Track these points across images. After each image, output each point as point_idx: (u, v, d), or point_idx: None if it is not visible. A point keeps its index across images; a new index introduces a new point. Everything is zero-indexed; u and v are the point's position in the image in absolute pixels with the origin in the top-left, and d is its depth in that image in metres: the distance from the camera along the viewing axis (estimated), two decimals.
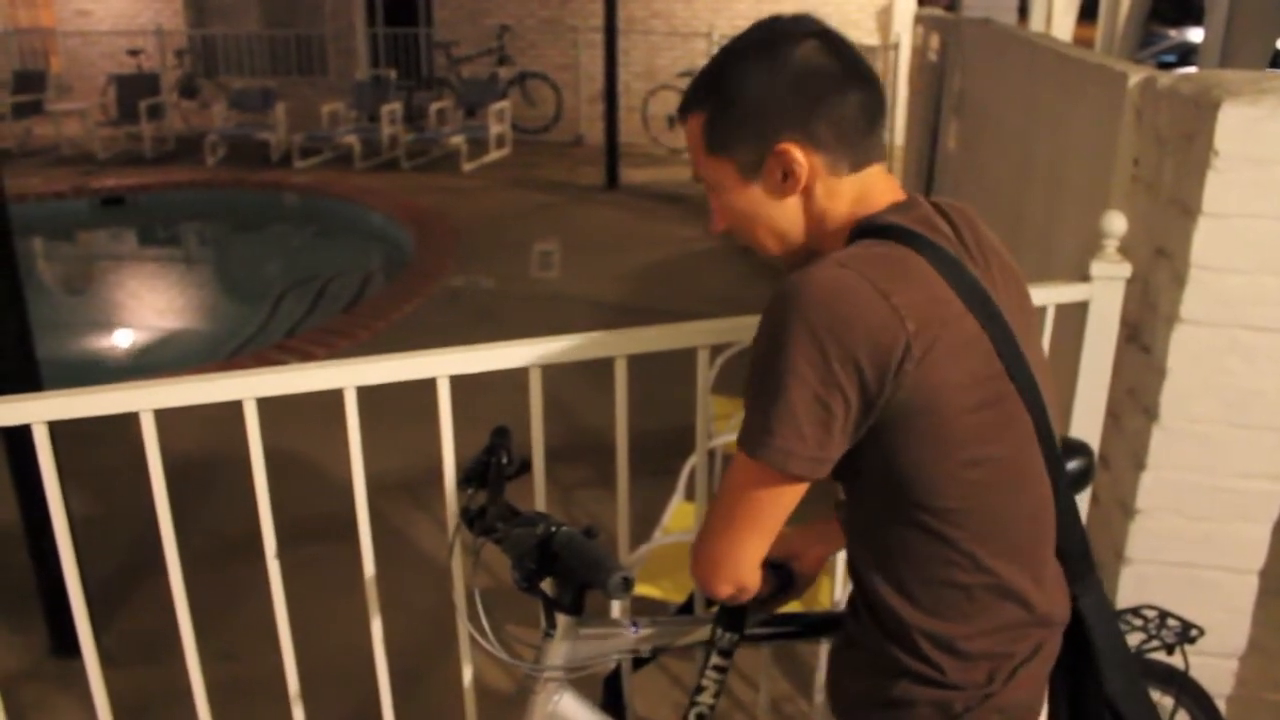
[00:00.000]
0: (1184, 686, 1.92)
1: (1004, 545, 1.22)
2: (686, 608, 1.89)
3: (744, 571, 1.25)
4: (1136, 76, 2.31)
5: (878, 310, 1.10)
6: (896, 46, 9.96)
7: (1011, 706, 1.26)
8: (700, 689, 1.60)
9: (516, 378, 1.89)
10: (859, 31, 12.28)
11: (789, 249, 1.31)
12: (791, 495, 1.20)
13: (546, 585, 1.38)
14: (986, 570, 1.21)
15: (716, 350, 3.10)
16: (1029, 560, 1.26)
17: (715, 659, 1.57)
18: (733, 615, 1.54)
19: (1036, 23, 8.74)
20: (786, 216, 1.27)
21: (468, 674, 2.08)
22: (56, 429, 1.77)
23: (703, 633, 1.59)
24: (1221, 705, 2.18)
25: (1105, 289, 2.08)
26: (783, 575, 1.54)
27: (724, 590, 1.27)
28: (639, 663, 1.67)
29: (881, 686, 1.26)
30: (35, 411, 1.73)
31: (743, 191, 1.27)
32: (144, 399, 1.75)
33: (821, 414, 1.12)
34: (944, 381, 1.12)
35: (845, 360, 1.10)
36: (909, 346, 1.10)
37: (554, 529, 1.33)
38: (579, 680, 1.50)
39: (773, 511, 1.21)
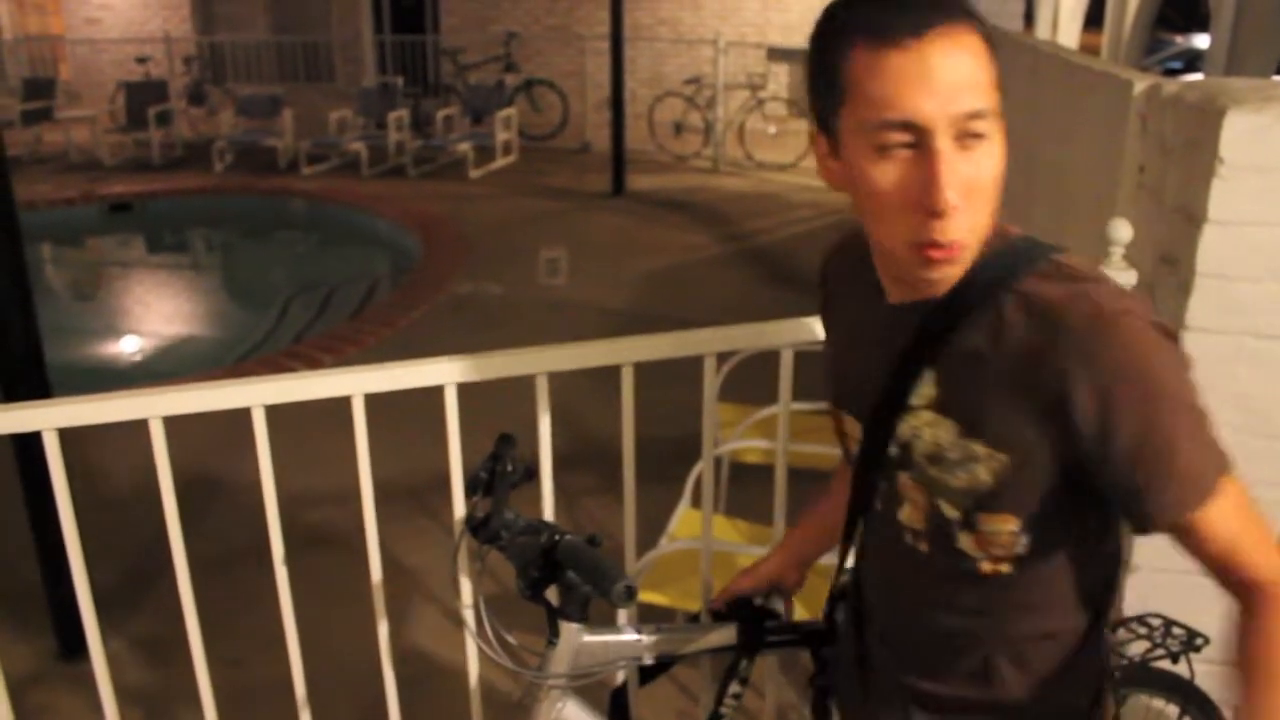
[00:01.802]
0: (1189, 695, 1.91)
1: None
2: (697, 617, 1.89)
3: None
4: (1142, 84, 2.32)
5: None
6: None
7: None
8: (719, 716, 1.62)
9: (523, 384, 1.89)
10: None
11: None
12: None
13: (551, 593, 1.39)
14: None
15: (723, 358, 3.11)
16: None
17: (735, 687, 1.60)
18: (752, 641, 1.57)
19: (1042, 30, 8.73)
20: None
21: (473, 681, 2.08)
22: (65, 434, 1.78)
23: (708, 641, 1.59)
24: (1228, 714, 2.17)
25: None
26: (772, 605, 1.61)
27: None
28: (646, 676, 1.68)
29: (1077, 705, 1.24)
30: (45, 419, 1.74)
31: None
32: (153, 406, 1.76)
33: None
34: None
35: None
36: None
37: (558, 537, 1.34)
38: (587, 691, 1.50)
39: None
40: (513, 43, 12.95)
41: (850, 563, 1.42)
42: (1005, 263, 1.07)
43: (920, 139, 0.99)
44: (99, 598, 1.88)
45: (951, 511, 1.13)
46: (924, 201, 0.99)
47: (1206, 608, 2.09)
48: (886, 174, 1.01)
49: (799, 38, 12.59)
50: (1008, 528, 1.11)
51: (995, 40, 1.05)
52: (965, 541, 1.14)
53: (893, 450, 1.17)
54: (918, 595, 1.23)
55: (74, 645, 2.97)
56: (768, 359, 2.08)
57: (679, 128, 11.81)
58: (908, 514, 1.19)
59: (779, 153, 11.14)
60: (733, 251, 7.87)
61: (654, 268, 7.45)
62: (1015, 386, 1.04)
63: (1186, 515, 1.05)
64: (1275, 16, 6.34)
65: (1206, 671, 1.96)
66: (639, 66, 12.94)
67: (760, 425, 3.17)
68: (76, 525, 1.82)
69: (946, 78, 0.97)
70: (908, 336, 1.12)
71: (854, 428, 1.24)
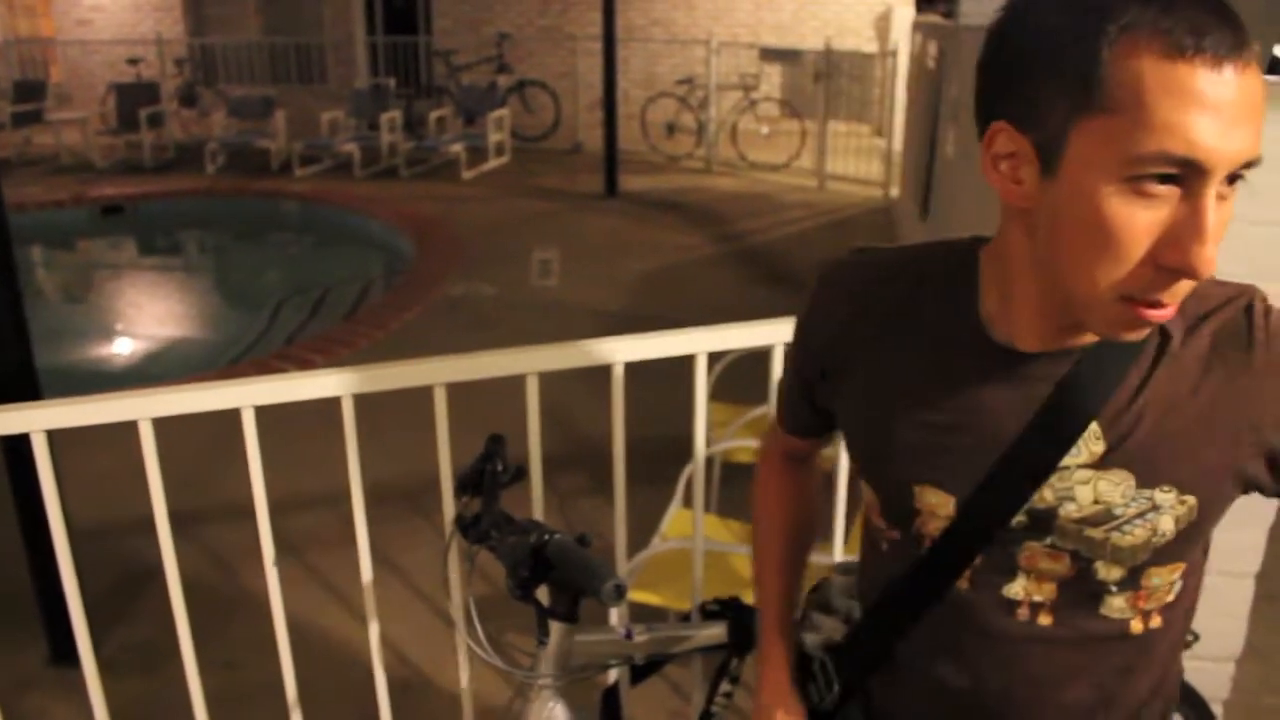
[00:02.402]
0: (1180, 692, 1.92)
1: None
2: (688, 616, 1.90)
3: None
4: None
5: None
6: (894, 54, 9.98)
7: None
8: (711, 715, 1.63)
9: (514, 385, 1.89)
10: (857, 39, 12.32)
11: None
12: None
13: (541, 593, 1.39)
14: None
15: (715, 357, 3.11)
16: None
17: (726, 685, 1.61)
18: (743, 640, 1.57)
19: None
20: None
21: (464, 681, 2.08)
22: (56, 437, 1.77)
23: (699, 640, 1.59)
24: (1218, 710, 2.18)
25: None
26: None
27: None
28: (638, 676, 1.68)
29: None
30: (34, 420, 1.74)
31: None
32: (142, 408, 1.76)
33: None
34: None
35: None
36: None
37: (547, 537, 1.34)
38: (579, 691, 1.50)
39: None
40: (505, 44, 12.95)
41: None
42: None
43: (1189, 181, 0.81)
44: (92, 602, 1.88)
45: (1112, 572, 1.01)
46: (1172, 256, 0.82)
47: (1198, 605, 2.10)
48: (1134, 214, 0.82)
49: (792, 38, 12.61)
50: (1173, 577, 1.03)
51: None
52: (1115, 604, 1.03)
53: (1018, 520, 1.01)
54: (1030, 675, 1.07)
55: (66, 650, 2.96)
56: (759, 358, 2.08)
57: (671, 128, 11.81)
58: (1024, 588, 1.04)
59: (771, 153, 11.15)
60: (725, 252, 7.87)
61: (647, 268, 7.45)
62: (1206, 417, 0.95)
63: None
64: (1266, 16, 6.37)
65: (1197, 668, 1.97)
66: (631, 67, 12.94)
67: (752, 425, 3.18)
68: (68, 528, 1.82)
69: (1244, 114, 0.80)
70: (1046, 388, 0.98)
71: (939, 502, 1.06)
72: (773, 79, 12.40)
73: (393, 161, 11.07)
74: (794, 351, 1.22)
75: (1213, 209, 0.81)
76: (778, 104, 11.74)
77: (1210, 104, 0.79)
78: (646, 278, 7.24)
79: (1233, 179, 0.84)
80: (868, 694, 1.23)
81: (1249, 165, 0.83)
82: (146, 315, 8.22)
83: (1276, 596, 2.50)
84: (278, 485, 2.01)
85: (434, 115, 11.71)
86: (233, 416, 1.81)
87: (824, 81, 10.10)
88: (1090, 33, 0.82)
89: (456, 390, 1.87)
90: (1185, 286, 0.86)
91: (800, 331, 1.19)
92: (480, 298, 6.86)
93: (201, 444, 3.68)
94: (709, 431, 3.26)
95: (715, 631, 1.59)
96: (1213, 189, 0.81)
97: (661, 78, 12.78)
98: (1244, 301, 0.96)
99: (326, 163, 11.19)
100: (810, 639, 1.34)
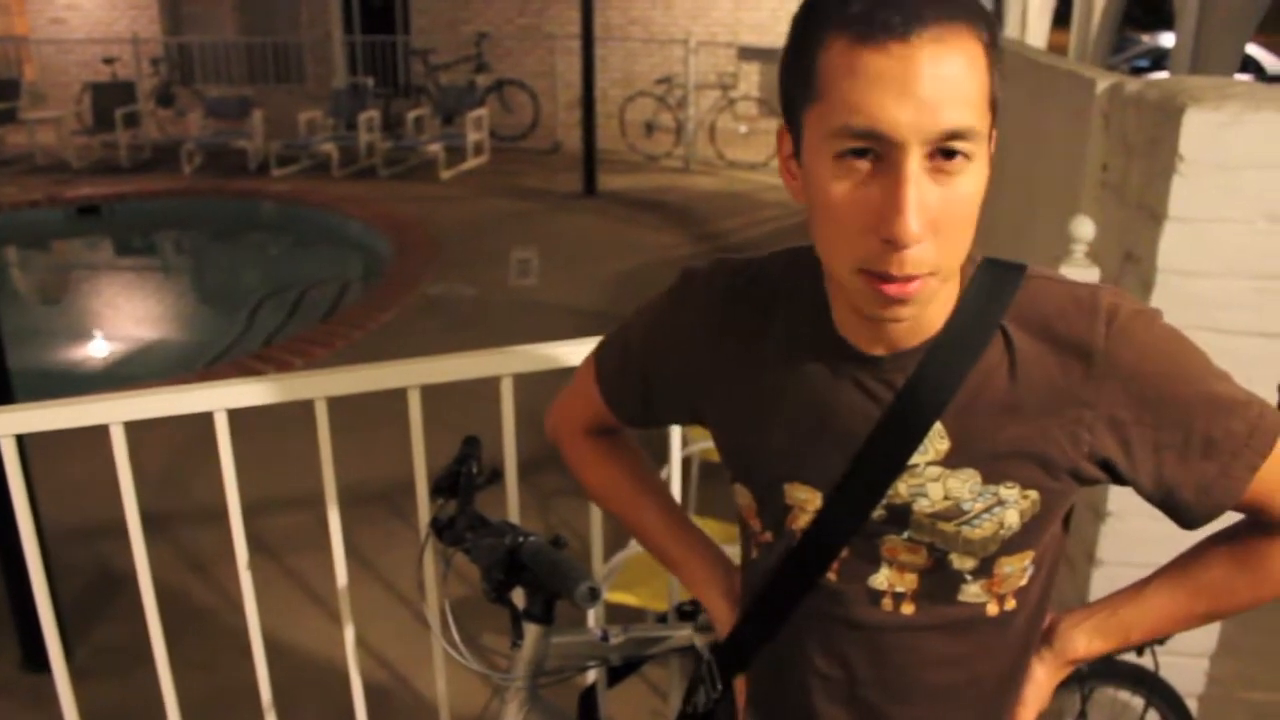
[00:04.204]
0: (1154, 687, 1.93)
1: None
2: (665, 617, 1.89)
3: None
4: (1104, 82, 2.34)
5: None
6: None
7: None
8: (687, 715, 1.62)
9: (491, 386, 1.89)
10: None
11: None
12: None
13: (516, 595, 1.38)
14: None
15: None
16: None
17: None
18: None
19: (1011, 28, 8.79)
20: None
21: (441, 684, 2.08)
22: (27, 440, 1.76)
23: (675, 640, 1.59)
24: (1193, 705, 2.19)
25: None
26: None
27: None
28: (616, 677, 1.68)
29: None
30: (4, 424, 1.72)
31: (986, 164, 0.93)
32: (114, 411, 1.75)
33: None
34: None
35: None
36: None
37: (521, 539, 1.33)
38: (557, 692, 1.50)
39: None
40: (483, 43, 12.92)
41: None
42: (990, 289, 1.01)
43: (888, 154, 0.87)
44: (70, 605, 1.87)
45: (965, 563, 1.05)
46: (881, 227, 0.87)
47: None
48: (843, 189, 0.89)
49: (770, 37, 12.63)
50: (1024, 564, 1.07)
51: (1000, 47, 0.92)
52: (972, 590, 1.07)
53: (878, 514, 1.05)
54: (897, 662, 1.11)
55: (38, 656, 2.93)
56: None
57: (650, 127, 11.81)
58: (888, 578, 1.08)
59: (750, 152, 11.17)
60: (704, 251, 7.88)
61: (626, 267, 7.45)
62: (1046, 417, 0.99)
63: (1251, 486, 1.01)
64: (1238, 15, 6.41)
65: (1170, 663, 1.98)
66: (610, 66, 12.94)
67: None
68: (41, 532, 1.80)
69: (929, 88, 0.85)
70: (893, 390, 1.02)
71: (807, 497, 1.09)
72: (751, 78, 12.42)
73: (371, 161, 11.02)
74: (639, 346, 1.29)
75: (912, 181, 0.86)
76: (756, 103, 11.76)
77: (887, 81, 0.85)
78: (625, 277, 7.24)
79: (950, 154, 0.87)
80: (747, 687, 1.27)
81: (955, 137, 0.86)
82: (123, 317, 8.16)
83: None
84: (254, 487, 1.99)
85: (412, 115, 11.66)
86: (208, 419, 1.80)
87: None
88: (809, 34, 0.91)
89: (433, 392, 1.86)
90: (912, 258, 0.89)
91: (656, 331, 1.27)
92: (458, 298, 6.84)
93: (178, 446, 3.65)
94: (686, 432, 3.26)
95: (691, 632, 1.59)
96: (910, 162, 0.86)
97: (640, 77, 12.78)
98: (1089, 304, 0.99)
99: (304, 163, 11.13)
100: (700, 640, 1.40)
